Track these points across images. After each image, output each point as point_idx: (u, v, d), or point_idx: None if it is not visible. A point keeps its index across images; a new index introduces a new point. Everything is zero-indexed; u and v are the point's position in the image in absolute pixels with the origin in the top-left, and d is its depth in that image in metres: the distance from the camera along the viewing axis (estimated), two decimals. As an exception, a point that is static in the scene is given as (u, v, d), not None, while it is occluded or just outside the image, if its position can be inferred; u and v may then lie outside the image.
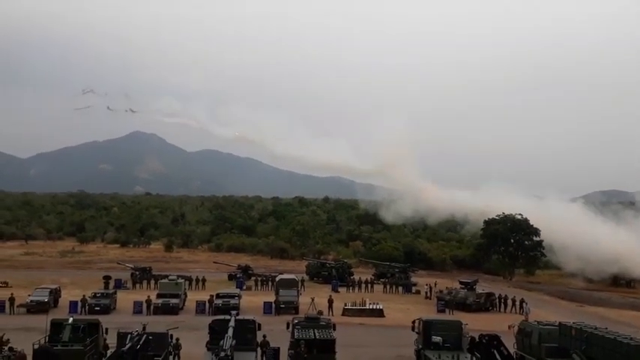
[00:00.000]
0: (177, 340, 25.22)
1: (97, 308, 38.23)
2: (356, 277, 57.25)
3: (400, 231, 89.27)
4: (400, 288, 54.52)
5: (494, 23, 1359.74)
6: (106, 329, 25.42)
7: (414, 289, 54.39)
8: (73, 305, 38.34)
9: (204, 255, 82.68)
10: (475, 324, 29.97)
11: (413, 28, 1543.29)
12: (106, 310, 38.65)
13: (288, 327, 25.72)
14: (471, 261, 75.82)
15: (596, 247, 60.25)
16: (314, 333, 23.96)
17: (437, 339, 25.06)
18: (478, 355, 21.99)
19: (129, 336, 20.54)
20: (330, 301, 40.65)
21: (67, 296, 42.12)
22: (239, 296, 41.37)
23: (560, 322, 25.10)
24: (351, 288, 53.47)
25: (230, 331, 20.32)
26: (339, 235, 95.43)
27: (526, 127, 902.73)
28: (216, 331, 23.33)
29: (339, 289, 51.85)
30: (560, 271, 69.73)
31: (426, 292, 51.19)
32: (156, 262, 67.69)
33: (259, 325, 25.59)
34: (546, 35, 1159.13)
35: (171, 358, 24.63)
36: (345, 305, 41.43)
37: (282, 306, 40.04)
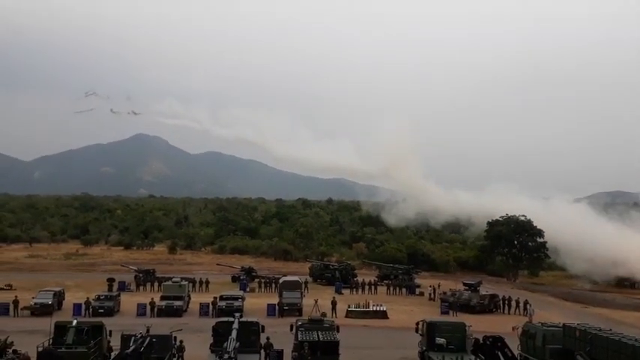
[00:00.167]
0: (181, 342, 25.22)
1: (100, 310, 38.32)
2: (359, 278, 57.22)
3: (403, 232, 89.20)
4: (404, 290, 54.46)
5: (494, 23, 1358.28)
6: (110, 331, 25.45)
7: (417, 290, 54.31)
8: (76, 308, 38.49)
9: (207, 257, 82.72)
10: (479, 325, 29.93)
11: (413, 29, 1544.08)
12: (110, 312, 38.70)
13: (291, 329, 25.71)
14: (474, 262, 75.72)
15: (602, 249, 60.04)
16: (318, 335, 23.97)
17: (441, 341, 25.01)
18: (482, 357, 21.99)
19: (132, 338, 20.56)
20: (334, 303, 40.63)
21: (71, 299, 42.17)
22: (242, 298, 41.40)
23: (564, 324, 25.02)
24: (354, 290, 53.42)
25: (234, 334, 20.33)
26: (343, 237, 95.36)
27: (526, 127, 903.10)
28: (220, 334, 23.35)
29: (343, 291, 51.85)
30: (564, 273, 69.59)
31: (430, 294, 51.13)
32: (159, 265, 67.77)
33: (263, 327, 25.61)
34: (546, 35, 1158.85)
35: (174, 360, 24.66)
36: (349, 307, 41.40)
37: (286, 308, 40.06)
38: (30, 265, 69.33)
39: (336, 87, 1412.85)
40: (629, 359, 19.90)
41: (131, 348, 19.20)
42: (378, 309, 41.33)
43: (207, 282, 52.53)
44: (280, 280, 46.36)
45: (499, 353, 21.42)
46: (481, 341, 22.42)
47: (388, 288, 55.08)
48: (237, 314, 25.68)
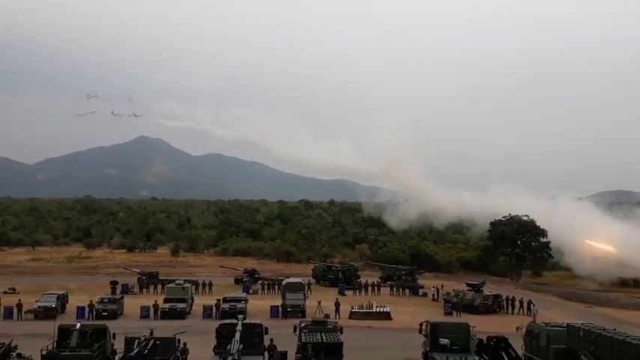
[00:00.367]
0: (185, 344, 25.21)
1: (104, 313, 38.29)
2: (362, 280, 57.15)
3: (406, 233, 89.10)
4: (407, 290, 54.35)
5: (494, 23, 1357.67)
6: (114, 334, 25.49)
7: (420, 291, 54.20)
8: (80, 311, 38.42)
9: (210, 259, 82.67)
10: (482, 326, 29.88)
11: (413, 29, 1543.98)
12: (114, 315, 38.68)
13: (295, 331, 25.73)
14: (477, 263, 75.53)
15: (607, 248, 59.83)
16: (321, 336, 23.99)
17: (444, 341, 24.98)
18: (486, 358, 21.98)
19: (136, 341, 20.63)
20: (337, 305, 40.54)
21: (74, 302, 42.25)
22: (246, 300, 41.34)
23: (568, 324, 24.96)
24: (357, 291, 53.29)
25: (237, 335, 20.36)
26: (345, 238, 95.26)
27: (526, 127, 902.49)
28: (224, 336, 23.38)
29: (346, 292, 51.72)
30: (567, 272, 69.38)
31: (433, 295, 51.04)
32: (162, 267, 67.87)
33: (266, 329, 25.66)
34: (546, 35, 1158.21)
35: (178, 362, 24.66)
36: (352, 308, 41.36)
37: (289, 309, 40.03)
38: (33, 269, 69.37)
39: (336, 87, 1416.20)
40: (633, 359, 19.84)
41: (135, 351, 19.26)
42: (381, 310, 41.26)
43: (211, 284, 52.53)
44: (283, 282, 46.37)
45: (503, 353, 21.41)
46: (485, 342, 22.41)
47: (391, 289, 55.02)
48: (240, 316, 25.68)
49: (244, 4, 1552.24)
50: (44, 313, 38.00)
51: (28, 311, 38.92)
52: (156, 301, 40.93)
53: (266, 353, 24.73)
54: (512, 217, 68.68)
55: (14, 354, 22.15)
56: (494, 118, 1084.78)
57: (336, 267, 62.88)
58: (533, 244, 68.14)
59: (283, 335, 27.40)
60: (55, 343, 23.84)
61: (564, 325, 25.29)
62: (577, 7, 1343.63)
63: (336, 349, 23.39)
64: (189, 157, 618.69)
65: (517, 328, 27.91)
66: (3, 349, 21.15)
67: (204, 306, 40.56)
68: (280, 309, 40.19)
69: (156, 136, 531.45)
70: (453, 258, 76.81)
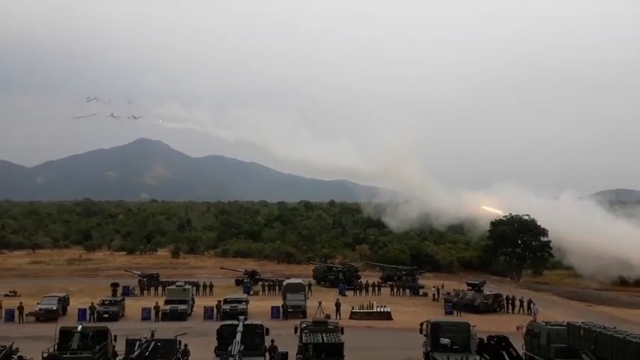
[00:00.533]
0: (186, 346, 25.23)
1: (105, 315, 38.35)
2: (363, 280, 57.18)
3: (406, 234, 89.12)
4: (407, 290, 54.39)
5: (494, 23, 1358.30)
6: (115, 336, 25.51)
7: (421, 291, 54.24)
8: (81, 313, 38.52)
9: (210, 261, 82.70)
10: (483, 325, 29.88)
11: (413, 29, 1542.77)
12: (115, 317, 38.77)
13: (296, 331, 25.75)
14: (478, 262, 75.58)
15: (609, 248, 59.70)
16: (322, 337, 24.02)
17: (445, 341, 25.00)
18: (487, 357, 21.98)
19: (137, 343, 20.63)
20: (338, 305, 40.56)
21: (75, 304, 42.30)
22: (246, 301, 41.39)
23: (568, 323, 24.97)
24: (358, 291, 53.35)
25: (238, 337, 20.35)
26: (346, 239, 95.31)
27: (526, 127, 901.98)
28: (225, 337, 23.41)
29: (347, 293, 51.77)
30: (568, 271, 69.38)
31: (434, 295, 51.09)
32: (163, 269, 67.86)
33: (267, 329, 25.67)
34: (546, 35, 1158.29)
35: (179, 364, 24.68)
36: (353, 309, 41.41)
37: (290, 310, 40.08)
38: (33, 272, 69.39)
39: (336, 87, 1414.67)
40: (633, 357, 19.84)
41: (136, 352, 19.27)
42: (382, 310, 41.30)
43: (211, 285, 52.57)
44: (284, 283, 46.44)
45: (504, 353, 21.41)
46: (485, 341, 22.39)
47: (392, 289, 55.07)
48: (241, 317, 25.73)
49: (244, 4, 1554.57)
50: (45, 316, 38.00)
51: (30, 314, 38.94)
52: (157, 302, 40.94)
53: (267, 354, 24.76)
54: (512, 217, 68.70)
55: (16, 356, 22.19)
56: (494, 118, 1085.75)
57: (336, 267, 62.89)
58: (533, 243, 68.16)
59: (284, 336, 27.45)
60: (56, 346, 23.83)
61: (565, 324, 25.30)
62: (577, 8, 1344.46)
63: (337, 349, 23.41)
64: (189, 159, 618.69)
65: (518, 328, 27.93)
66: (4, 351, 21.19)
67: (205, 307, 40.62)
68: (281, 310, 40.22)
69: (156, 138, 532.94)
70: (453, 258, 76.88)
